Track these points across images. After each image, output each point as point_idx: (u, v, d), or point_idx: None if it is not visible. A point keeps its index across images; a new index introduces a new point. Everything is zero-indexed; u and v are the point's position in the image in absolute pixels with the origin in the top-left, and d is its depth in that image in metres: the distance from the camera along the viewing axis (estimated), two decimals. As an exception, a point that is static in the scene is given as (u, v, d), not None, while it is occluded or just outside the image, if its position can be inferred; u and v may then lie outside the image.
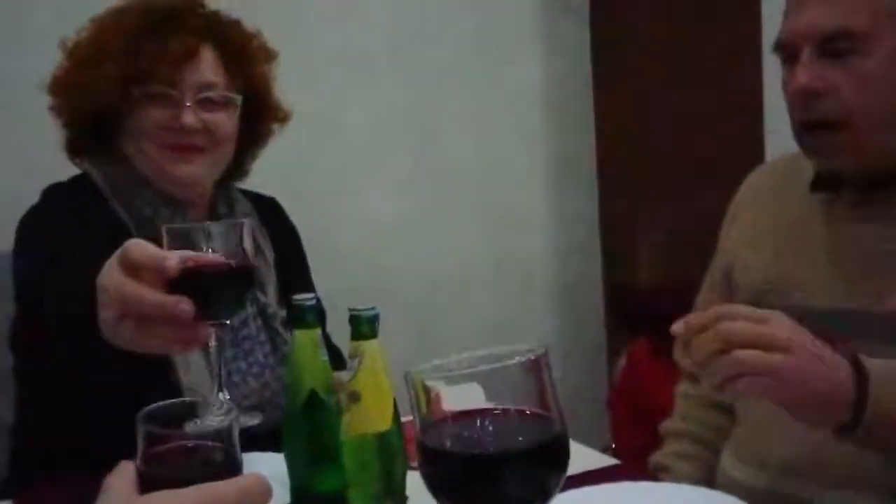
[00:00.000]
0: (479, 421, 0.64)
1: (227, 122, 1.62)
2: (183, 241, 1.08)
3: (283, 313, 1.66)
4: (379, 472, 1.10)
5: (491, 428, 0.63)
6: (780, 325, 1.09)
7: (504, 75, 2.95)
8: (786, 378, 1.06)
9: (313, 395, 1.15)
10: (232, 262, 1.08)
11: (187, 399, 0.94)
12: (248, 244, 1.10)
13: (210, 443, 0.80)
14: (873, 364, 1.13)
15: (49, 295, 1.32)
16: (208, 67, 1.59)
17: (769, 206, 1.57)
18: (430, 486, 0.68)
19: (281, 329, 1.65)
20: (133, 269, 1.03)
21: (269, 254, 1.74)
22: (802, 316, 1.40)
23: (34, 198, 1.61)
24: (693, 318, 1.09)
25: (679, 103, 2.62)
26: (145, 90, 1.56)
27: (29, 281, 1.48)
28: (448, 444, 0.64)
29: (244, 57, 1.65)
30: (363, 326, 1.10)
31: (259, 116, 1.71)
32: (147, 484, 0.80)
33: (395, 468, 1.11)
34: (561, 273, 3.09)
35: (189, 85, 1.57)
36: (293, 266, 1.80)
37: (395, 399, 1.12)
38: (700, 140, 2.49)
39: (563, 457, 0.66)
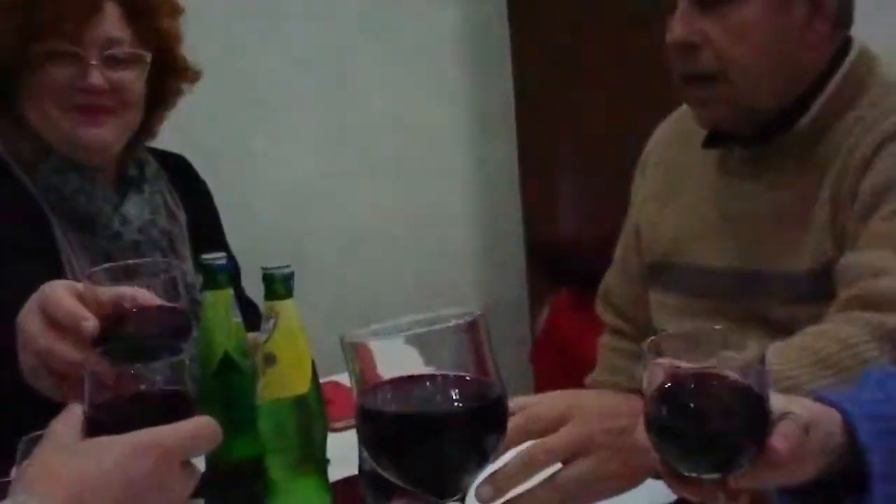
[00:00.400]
0: (418, 384, 0.63)
1: (136, 81, 1.53)
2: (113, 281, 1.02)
3: (200, 281, 1.60)
4: (298, 436, 1.05)
5: (431, 391, 0.63)
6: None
7: (420, 24, 2.90)
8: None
9: (226, 358, 1.10)
10: (166, 303, 1.01)
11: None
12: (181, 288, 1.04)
13: (159, 382, 0.80)
14: None
15: None
16: (113, 22, 1.49)
17: (672, 160, 1.57)
18: (370, 450, 0.67)
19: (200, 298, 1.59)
20: (53, 321, 0.99)
21: (182, 216, 1.67)
22: (701, 277, 1.42)
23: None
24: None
25: (599, 49, 2.60)
26: (46, 47, 1.45)
27: None
28: (388, 406, 0.64)
29: (150, 11, 1.55)
30: (277, 285, 1.05)
31: (167, 75, 1.61)
32: (93, 427, 0.79)
33: (315, 432, 1.07)
34: (482, 228, 3.07)
35: (93, 41, 1.47)
36: (206, 228, 1.73)
37: (313, 361, 1.07)
38: (621, 87, 2.46)
39: (501, 419, 0.65)
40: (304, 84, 2.75)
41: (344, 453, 1.10)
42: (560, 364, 2.47)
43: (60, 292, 1.00)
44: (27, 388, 1.17)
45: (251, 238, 1.83)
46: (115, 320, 0.98)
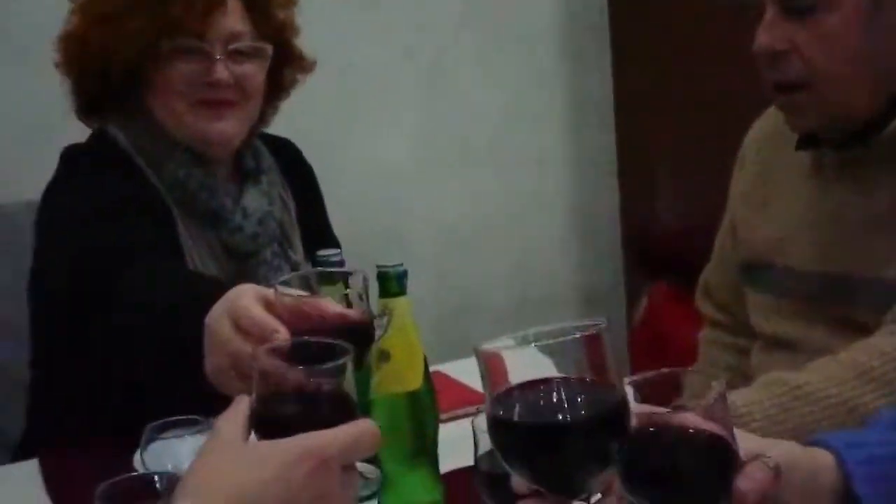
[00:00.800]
0: (545, 391, 0.66)
1: (258, 73, 1.55)
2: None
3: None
4: (411, 430, 1.08)
5: (557, 398, 0.66)
6: None
7: (516, 12, 2.89)
8: None
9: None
10: (352, 315, 0.98)
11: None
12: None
13: (324, 381, 0.79)
14: None
15: (85, 273, 1.30)
16: (235, 16, 1.52)
17: (767, 160, 1.55)
18: (503, 455, 0.70)
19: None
20: (242, 329, 0.99)
21: (291, 204, 1.69)
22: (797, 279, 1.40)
23: (40, 150, 1.56)
24: None
25: (701, 36, 2.56)
26: (174, 44, 1.48)
27: (54, 258, 1.44)
28: (517, 414, 0.67)
29: (267, 2, 1.58)
30: (391, 283, 1.07)
31: (285, 65, 1.64)
32: (259, 424, 0.79)
33: (427, 426, 1.09)
34: (579, 216, 3.06)
35: (217, 36, 1.49)
36: (315, 216, 1.76)
37: (425, 356, 1.09)
38: (724, 75, 2.43)
39: (624, 424, 0.68)
40: (405, 73, 2.77)
41: (451, 443, 1.13)
42: (657, 356, 2.46)
43: (248, 301, 1.00)
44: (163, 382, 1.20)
45: (347, 227, 1.84)
46: (303, 329, 0.95)
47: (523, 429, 0.67)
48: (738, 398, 1.12)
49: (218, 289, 1.04)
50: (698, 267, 1.72)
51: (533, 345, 0.66)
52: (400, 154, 2.78)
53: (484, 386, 0.69)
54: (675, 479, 0.70)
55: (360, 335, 0.96)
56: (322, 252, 1.16)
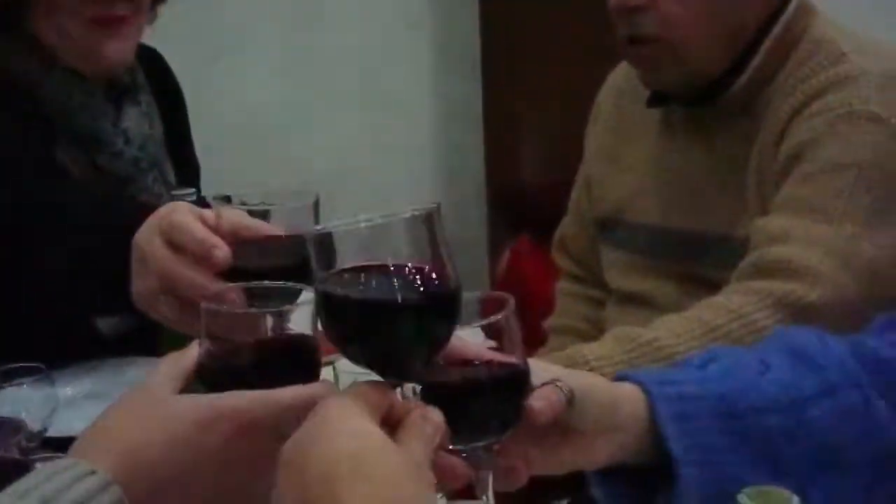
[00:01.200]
0: (376, 272, 0.65)
1: None
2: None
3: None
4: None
5: (388, 278, 0.65)
6: None
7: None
8: None
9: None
10: (293, 233, 0.91)
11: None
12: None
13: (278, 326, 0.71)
14: None
15: None
16: None
17: (620, 115, 1.57)
18: (329, 336, 0.68)
19: None
20: (178, 246, 0.92)
21: (158, 122, 1.55)
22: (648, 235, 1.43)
23: None
24: None
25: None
26: None
27: None
28: (347, 292, 0.65)
29: None
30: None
31: None
32: (203, 375, 0.71)
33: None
34: (444, 168, 3.05)
35: None
36: (180, 136, 1.63)
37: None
38: (589, 25, 2.44)
39: (455, 309, 0.67)
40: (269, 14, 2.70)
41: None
42: (519, 308, 2.48)
43: (186, 217, 0.93)
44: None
45: (209, 165, 1.77)
46: (241, 251, 0.90)
47: (354, 305, 0.65)
48: (589, 352, 1.13)
49: (136, 209, 0.98)
50: (559, 220, 1.74)
51: (363, 224, 0.65)
52: (264, 94, 2.72)
53: (315, 268, 0.67)
54: (468, 406, 0.71)
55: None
56: (176, 192, 1.11)
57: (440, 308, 0.67)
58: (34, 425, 1.01)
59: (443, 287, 0.66)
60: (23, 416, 0.99)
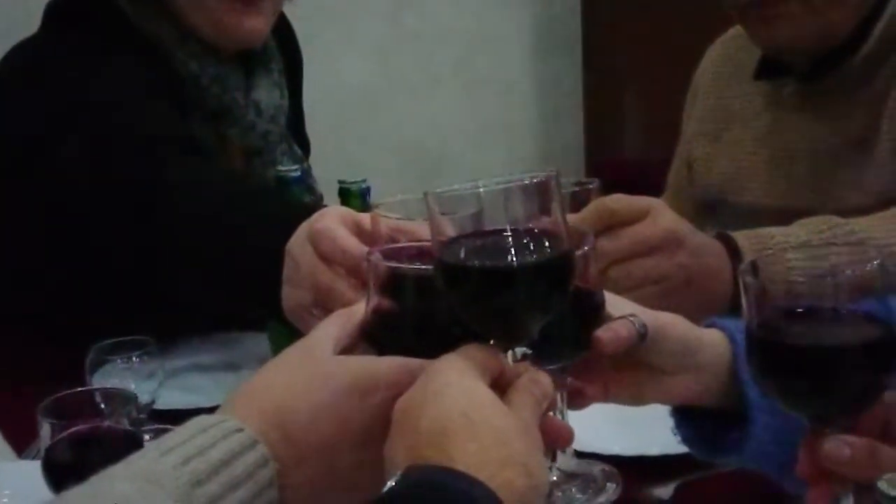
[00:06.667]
0: (492, 240, 0.65)
1: None
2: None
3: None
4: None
5: (505, 247, 0.65)
6: (657, 222, 0.97)
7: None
8: (672, 280, 0.97)
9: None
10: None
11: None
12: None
13: None
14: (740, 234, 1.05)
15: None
16: None
17: (720, 92, 1.51)
18: (447, 299, 0.67)
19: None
20: (325, 256, 0.88)
21: (286, 94, 1.48)
22: (755, 216, 1.37)
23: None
24: None
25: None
26: None
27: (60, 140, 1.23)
28: (465, 259, 0.65)
29: None
30: (354, 200, 1.04)
31: None
32: (370, 336, 0.69)
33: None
34: (544, 143, 3.03)
35: None
36: (295, 105, 1.55)
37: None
38: (690, 4, 2.39)
39: (568, 276, 0.67)
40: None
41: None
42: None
43: (333, 224, 0.88)
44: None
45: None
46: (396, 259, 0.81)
47: (469, 272, 0.65)
48: (776, 231, 1.06)
49: (290, 211, 0.92)
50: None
51: (482, 189, 0.65)
52: (360, 76, 2.72)
53: (432, 233, 0.67)
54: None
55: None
56: (281, 168, 1.11)
57: (554, 275, 0.66)
58: (143, 397, 1.01)
59: (557, 254, 0.66)
60: (132, 387, 1.00)
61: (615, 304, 0.79)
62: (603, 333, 0.74)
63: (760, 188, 1.41)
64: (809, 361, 0.66)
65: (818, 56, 1.32)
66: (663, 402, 0.81)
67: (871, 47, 1.28)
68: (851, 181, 1.31)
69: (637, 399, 0.80)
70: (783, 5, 1.27)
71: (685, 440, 0.83)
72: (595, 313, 0.77)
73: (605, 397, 0.79)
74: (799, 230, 1.05)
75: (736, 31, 1.51)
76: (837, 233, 1.05)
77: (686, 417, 0.82)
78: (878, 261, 0.65)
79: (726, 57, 1.53)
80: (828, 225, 1.06)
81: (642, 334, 0.75)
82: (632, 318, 0.75)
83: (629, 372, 0.78)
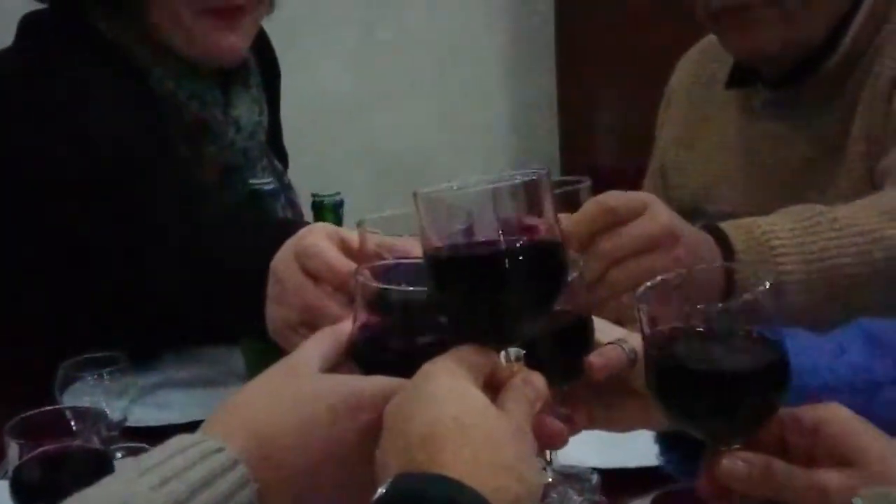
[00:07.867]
0: (481, 240, 0.65)
1: None
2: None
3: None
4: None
5: (495, 247, 0.65)
6: (655, 217, 0.96)
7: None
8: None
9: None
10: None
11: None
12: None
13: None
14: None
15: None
16: None
17: (694, 101, 1.52)
18: (435, 300, 0.67)
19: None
20: (313, 274, 0.86)
21: (266, 109, 1.45)
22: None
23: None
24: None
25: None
26: None
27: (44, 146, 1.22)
28: (454, 258, 0.66)
29: None
30: (327, 214, 1.03)
31: None
32: (357, 356, 0.68)
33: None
34: (520, 153, 3.04)
35: None
36: (273, 116, 1.52)
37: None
38: (665, 16, 2.41)
39: (559, 276, 0.67)
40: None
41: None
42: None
43: (319, 241, 0.87)
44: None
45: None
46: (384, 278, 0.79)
47: (458, 270, 0.65)
48: (762, 221, 1.06)
49: (273, 232, 0.90)
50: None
51: (471, 189, 0.65)
52: (339, 84, 2.71)
53: (420, 230, 0.67)
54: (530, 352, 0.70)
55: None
56: (254, 181, 1.10)
57: (546, 264, 0.66)
58: (114, 415, 1.00)
59: (548, 254, 0.66)
60: (102, 405, 0.98)
61: (603, 329, 0.79)
62: (595, 359, 0.74)
63: (734, 196, 1.42)
64: (703, 384, 0.67)
65: (790, 64, 1.33)
66: (648, 427, 0.81)
67: (841, 55, 1.29)
68: (824, 187, 1.31)
69: (622, 426, 0.80)
70: (758, 11, 1.28)
71: (669, 464, 0.82)
72: (586, 339, 0.77)
73: (591, 423, 0.78)
74: (783, 218, 1.05)
75: (708, 41, 1.52)
76: (821, 220, 1.04)
77: (671, 443, 0.82)
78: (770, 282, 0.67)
79: (699, 66, 1.53)
80: (811, 213, 1.05)
81: (632, 359, 0.75)
82: (622, 344, 0.75)
83: (612, 397, 0.78)
